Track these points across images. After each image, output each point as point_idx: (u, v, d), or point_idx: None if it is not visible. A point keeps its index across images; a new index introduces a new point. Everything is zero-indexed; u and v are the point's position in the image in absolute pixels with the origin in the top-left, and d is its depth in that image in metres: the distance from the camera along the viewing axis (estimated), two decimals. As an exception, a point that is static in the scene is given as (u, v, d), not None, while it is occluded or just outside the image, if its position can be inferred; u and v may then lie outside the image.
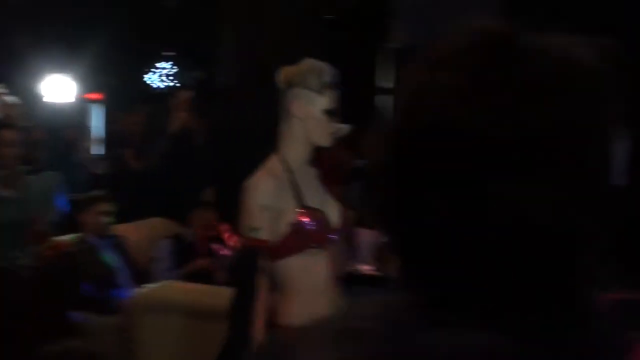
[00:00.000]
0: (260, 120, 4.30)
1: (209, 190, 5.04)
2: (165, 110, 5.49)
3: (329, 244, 2.17)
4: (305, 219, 2.08)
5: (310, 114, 2.08)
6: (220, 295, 2.60)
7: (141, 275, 4.13)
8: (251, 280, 2.01)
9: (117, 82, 8.33)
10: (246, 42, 5.83)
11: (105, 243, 4.05)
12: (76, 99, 7.67)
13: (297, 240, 2.07)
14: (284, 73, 2.14)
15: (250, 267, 2.03)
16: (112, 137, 6.93)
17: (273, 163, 2.13)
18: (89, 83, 7.90)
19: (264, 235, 2.02)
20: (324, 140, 2.13)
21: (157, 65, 9.00)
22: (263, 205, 2.01)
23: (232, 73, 6.10)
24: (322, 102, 2.09)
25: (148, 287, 3.84)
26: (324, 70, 2.12)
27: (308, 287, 2.10)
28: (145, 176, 5.24)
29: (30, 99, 6.54)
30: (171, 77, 8.95)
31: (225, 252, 4.21)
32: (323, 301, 2.08)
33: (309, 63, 2.13)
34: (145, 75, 8.98)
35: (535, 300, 0.55)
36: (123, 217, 4.46)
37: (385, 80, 6.91)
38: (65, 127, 6.59)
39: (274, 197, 2.03)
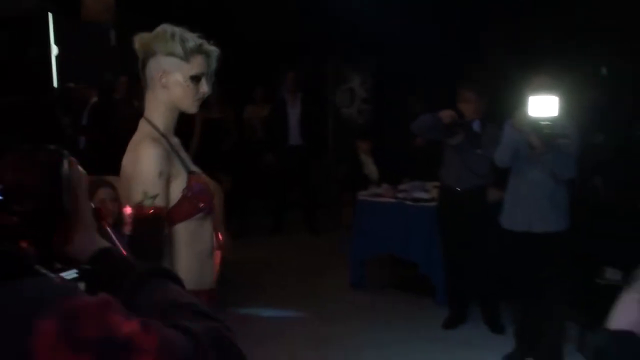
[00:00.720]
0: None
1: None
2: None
3: (213, 208, 2.17)
4: (196, 183, 2.08)
5: (175, 82, 2.04)
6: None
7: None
8: (157, 250, 1.96)
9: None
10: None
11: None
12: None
13: (190, 205, 2.06)
14: (140, 41, 2.06)
15: (154, 236, 1.97)
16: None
17: (148, 130, 2.08)
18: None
19: (161, 202, 1.99)
20: (191, 107, 2.10)
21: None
22: (159, 172, 1.98)
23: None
24: (187, 68, 2.04)
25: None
26: (185, 35, 2.05)
27: (197, 253, 2.09)
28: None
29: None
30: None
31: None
32: (210, 266, 2.13)
33: (166, 28, 2.05)
34: None
35: None
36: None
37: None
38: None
39: (166, 163, 2.01)
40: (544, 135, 3.48)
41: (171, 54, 2.05)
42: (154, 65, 2.06)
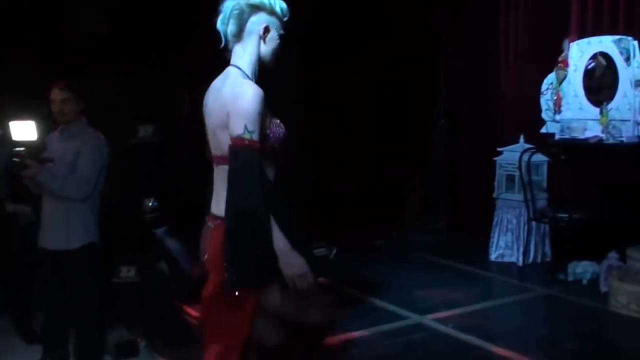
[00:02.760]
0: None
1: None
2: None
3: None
4: (277, 128, 2.38)
5: (271, 37, 2.43)
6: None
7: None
8: (252, 178, 2.22)
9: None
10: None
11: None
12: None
13: (266, 144, 2.32)
14: None
15: (249, 167, 2.22)
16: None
17: (239, 74, 2.39)
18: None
19: (256, 137, 2.25)
20: (272, 62, 2.48)
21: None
22: (259, 110, 2.26)
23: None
24: (279, 27, 2.46)
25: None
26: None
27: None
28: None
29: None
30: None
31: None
32: None
33: None
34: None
35: None
36: None
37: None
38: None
39: (264, 104, 2.28)
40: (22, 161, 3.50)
41: (273, 13, 2.43)
42: (257, 20, 2.41)
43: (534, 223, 5.31)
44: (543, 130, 5.52)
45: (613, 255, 4.67)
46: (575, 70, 5.25)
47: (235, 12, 2.41)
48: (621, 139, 4.86)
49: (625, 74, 4.92)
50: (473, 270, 5.47)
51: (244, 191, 2.25)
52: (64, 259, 3.68)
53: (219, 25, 2.45)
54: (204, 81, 5.97)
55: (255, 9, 2.42)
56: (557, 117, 5.37)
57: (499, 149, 5.69)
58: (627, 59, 4.90)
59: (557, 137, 5.32)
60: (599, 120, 4.98)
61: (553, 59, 5.42)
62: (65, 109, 3.59)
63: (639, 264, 4.31)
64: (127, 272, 5.21)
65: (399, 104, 6.81)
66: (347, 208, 6.34)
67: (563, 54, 5.34)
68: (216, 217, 2.39)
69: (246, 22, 2.41)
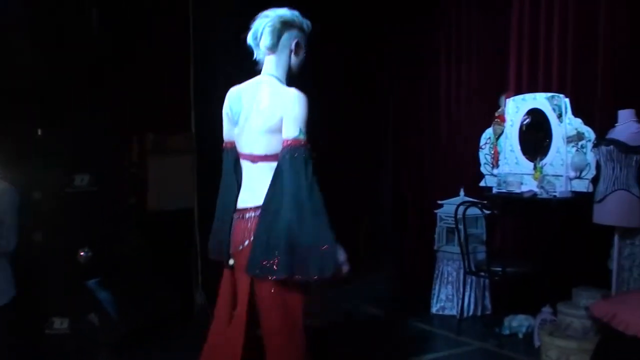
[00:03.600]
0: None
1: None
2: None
3: None
4: None
5: (300, 51, 2.85)
6: None
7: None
8: (309, 170, 2.63)
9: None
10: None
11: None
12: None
13: None
14: (281, 15, 2.83)
15: (307, 161, 2.64)
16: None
17: (280, 82, 2.81)
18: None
19: (306, 137, 2.69)
20: (297, 70, 2.89)
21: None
22: (308, 114, 2.70)
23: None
24: (304, 43, 2.86)
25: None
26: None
27: None
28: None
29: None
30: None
31: None
32: None
33: (294, 11, 2.87)
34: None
35: None
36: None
37: None
38: None
39: None
40: None
41: (302, 30, 2.85)
42: (290, 36, 2.82)
43: (473, 276, 5.33)
44: (482, 183, 5.61)
45: (547, 310, 4.70)
46: (511, 125, 5.36)
47: (270, 28, 2.79)
48: (554, 193, 4.95)
49: (557, 130, 5.03)
50: (413, 323, 5.46)
51: (309, 185, 2.61)
52: None
53: (249, 40, 2.86)
54: (150, 127, 5.98)
55: (289, 26, 2.82)
56: (495, 171, 5.46)
57: (439, 202, 5.74)
58: (560, 116, 5.02)
59: (494, 190, 5.40)
60: (532, 175, 5.07)
61: (491, 114, 5.55)
62: None
63: (568, 319, 4.34)
64: (61, 324, 5.09)
65: (347, 143, 6.82)
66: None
67: (500, 109, 5.46)
68: (257, 208, 2.70)
69: (281, 37, 2.81)
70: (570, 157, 4.95)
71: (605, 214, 4.47)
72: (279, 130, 2.70)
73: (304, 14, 2.89)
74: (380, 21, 6.76)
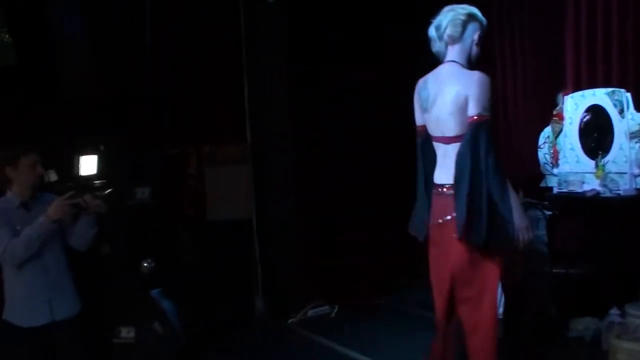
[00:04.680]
0: None
1: None
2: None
3: None
4: None
5: (478, 42, 3.24)
6: None
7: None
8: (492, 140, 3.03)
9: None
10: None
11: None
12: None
13: None
14: (467, 9, 3.21)
15: (489, 134, 3.03)
16: None
17: (463, 68, 3.17)
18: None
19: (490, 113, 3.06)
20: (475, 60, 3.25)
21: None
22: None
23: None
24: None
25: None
26: None
27: None
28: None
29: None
30: None
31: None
32: None
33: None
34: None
35: None
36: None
37: None
38: None
39: None
40: None
41: (480, 23, 3.21)
42: (473, 28, 3.19)
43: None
44: (542, 184, 5.48)
45: (614, 312, 4.55)
46: (570, 123, 5.23)
47: (459, 20, 3.17)
48: (618, 191, 4.80)
49: (619, 127, 4.89)
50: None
51: (493, 156, 2.99)
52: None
53: (432, 31, 3.23)
54: (207, 139, 6.06)
55: (473, 19, 3.19)
56: (555, 170, 5.33)
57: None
58: (621, 112, 4.87)
59: (555, 190, 5.27)
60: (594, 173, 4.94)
61: (549, 112, 5.43)
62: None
63: (636, 320, 4.19)
64: (127, 333, 5.20)
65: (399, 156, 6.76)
66: (350, 262, 6.30)
67: (558, 107, 5.34)
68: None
69: (466, 28, 3.18)
70: (634, 154, 4.79)
71: (672, 211, 4.32)
72: (466, 110, 3.05)
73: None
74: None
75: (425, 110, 3.25)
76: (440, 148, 3.22)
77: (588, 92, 5.15)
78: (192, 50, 5.87)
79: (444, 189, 3.16)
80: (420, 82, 3.30)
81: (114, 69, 5.41)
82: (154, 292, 4.83)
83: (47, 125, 4.86)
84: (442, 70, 3.22)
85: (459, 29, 3.16)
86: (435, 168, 3.26)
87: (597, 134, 5.08)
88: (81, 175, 4.92)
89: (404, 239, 6.83)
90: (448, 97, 3.10)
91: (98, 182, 4.49)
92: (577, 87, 5.35)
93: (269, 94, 6.10)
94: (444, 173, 3.17)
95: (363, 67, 6.46)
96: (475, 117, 3.02)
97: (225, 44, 6.02)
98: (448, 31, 3.17)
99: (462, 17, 3.16)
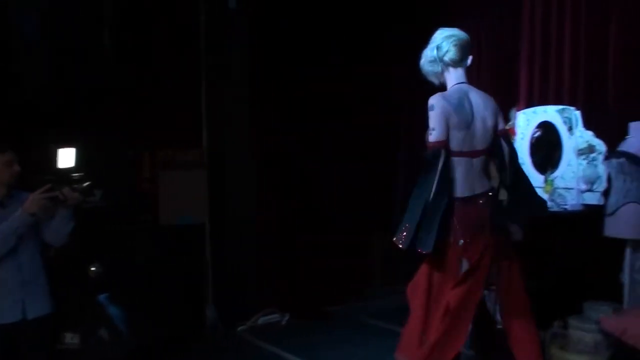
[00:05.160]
0: None
1: None
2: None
3: None
4: None
5: None
6: None
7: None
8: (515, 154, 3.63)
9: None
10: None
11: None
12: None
13: None
14: (467, 37, 3.65)
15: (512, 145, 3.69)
16: None
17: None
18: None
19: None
20: None
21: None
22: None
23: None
24: None
25: None
26: None
27: None
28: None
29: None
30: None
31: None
32: None
33: None
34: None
35: None
36: None
37: None
38: None
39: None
40: None
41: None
42: (470, 53, 3.62)
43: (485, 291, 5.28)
44: (494, 197, 5.56)
45: (558, 324, 4.65)
46: (522, 138, 5.33)
47: (465, 45, 3.55)
48: (565, 206, 4.90)
49: (568, 143, 5.00)
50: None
51: (518, 162, 3.67)
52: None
53: (433, 52, 3.57)
54: (162, 143, 6.00)
55: (469, 45, 3.58)
56: (506, 184, 5.42)
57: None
58: (570, 129, 4.99)
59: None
60: (543, 188, 5.04)
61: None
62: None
63: (579, 333, 4.29)
64: (72, 339, 5.11)
65: (358, 161, 6.87)
66: (302, 270, 6.31)
67: (510, 123, 5.43)
68: (488, 192, 3.55)
69: (469, 52, 3.58)
70: (581, 170, 4.91)
71: (616, 226, 4.43)
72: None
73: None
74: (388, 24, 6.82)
75: (463, 127, 3.44)
76: (462, 163, 3.46)
77: (539, 109, 5.26)
78: (150, 52, 5.83)
79: (479, 199, 3.48)
80: (450, 101, 3.47)
81: (70, 70, 5.35)
82: (101, 298, 4.77)
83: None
84: (466, 90, 3.58)
85: (466, 53, 3.52)
86: (453, 182, 3.44)
87: (546, 149, 5.19)
88: (59, 168, 4.84)
89: (357, 248, 7.05)
90: (489, 114, 3.54)
91: (76, 175, 4.38)
92: (529, 104, 5.47)
93: (228, 98, 6.09)
94: (475, 184, 3.48)
95: (324, 71, 6.52)
96: (506, 130, 3.65)
97: (184, 47, 6.00)
98: (452, 55, 3.51)
99: (465, 44, 3.52)
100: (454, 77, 3.58)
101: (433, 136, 3.44)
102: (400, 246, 3.44)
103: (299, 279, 6.26)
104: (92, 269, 4.75)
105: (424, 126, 6.61)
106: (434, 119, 3.44)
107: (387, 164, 7.13)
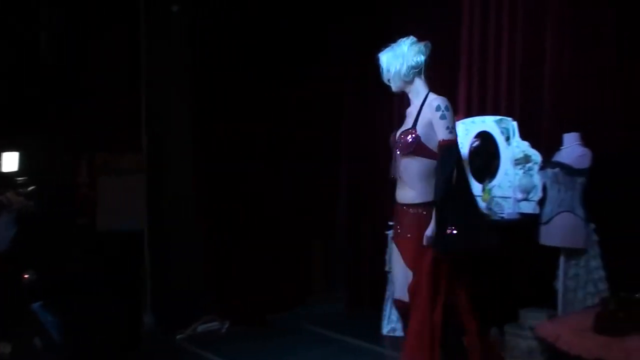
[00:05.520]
0: None
1: None
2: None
3: None
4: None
5: None
6: None
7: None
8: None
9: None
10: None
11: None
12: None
13: None
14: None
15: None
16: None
17: None
18: None
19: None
20: None
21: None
22: None
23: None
24: None
25: None
26: None
27: None
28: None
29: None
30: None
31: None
32: None
33: None
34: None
35: None
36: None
37: None
38: None
39: None
40: None
41: None
42: None
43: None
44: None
45: (494, 330, 4.74)
46: (461, 148, 5.41)
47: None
48: (502, 215, 5.02)
49: (505, 153, 5.12)
50: (363, 345, 5.45)
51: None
52: None
53: (421, 60, 3.79)
54: (101, 147, 5.87)
55: None
56: (445, 192, 5.50)
57: (390, 223, 5.75)
58: (508, 139, 5.12)
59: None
60: (481, 196, 5.14)
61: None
62: None
63: (514, 339, 4.39)
64: (3, 348, 4.96)
65: (301, 166, 6.88)
66: (241, 277, 6.26)
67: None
68: None
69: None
70: (517, 179, 5.04)
71: (551, 235, 4.55)
72: None
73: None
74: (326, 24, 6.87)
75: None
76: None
77: (478, 119, 5.38)
78: (89, 56, 5.72)
79: None
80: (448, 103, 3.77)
81: (6, 72, 5.21)
82: (35, 306, 4.63)
83: None
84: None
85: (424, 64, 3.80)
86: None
87: (485, 159, 5.31)
88: (2, 172, 4.72)
89: (299, 254, 7.05)
90: None
91: (20, 179, 4.27)
92: (468, 114, 5.57)
93: (168, 103, 6.02)
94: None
95: (268, 74, 6.51)
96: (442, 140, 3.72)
97: (124, 51, 5.90)
98: (425, 64, 3.81)
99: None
100: (423, 85, 3.81)
101: (454, 134, 3.71)
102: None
103: (240, 286, 6.20)
104: (26, 275, 4.61)
105: (367, 131, 6.74)
106: (451, 119, 3.72)
107: (329, 169, 7.16)
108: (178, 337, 5.72)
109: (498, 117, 5.22)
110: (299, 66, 6.63)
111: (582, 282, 4.54)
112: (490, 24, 5.51)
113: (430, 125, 3.66)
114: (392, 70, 3.79)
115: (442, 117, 3.66)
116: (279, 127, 6.72)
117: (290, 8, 6.56)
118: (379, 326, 5.73)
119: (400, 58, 3.76)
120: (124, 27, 5.88)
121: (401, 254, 3.85)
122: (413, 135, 3.67)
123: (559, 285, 4.58)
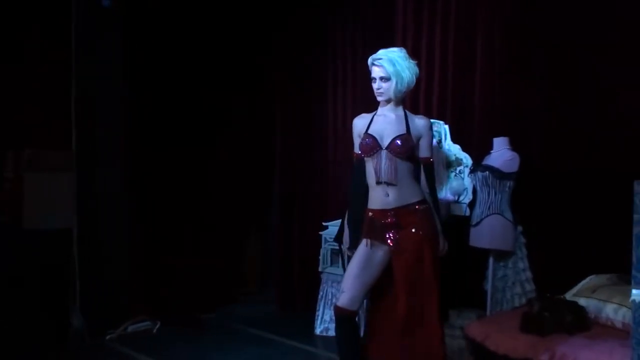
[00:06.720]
0: None
1: None
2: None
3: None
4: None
5: None
6: None
7: None
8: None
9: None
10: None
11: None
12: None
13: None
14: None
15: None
16: None
17: None
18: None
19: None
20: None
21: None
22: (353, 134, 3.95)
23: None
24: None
25: None
26: None
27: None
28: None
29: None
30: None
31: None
32: None
33: None
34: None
35: None
36: None
37: None
38: None
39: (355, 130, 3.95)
40: None
41: None
42: None
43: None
44: (367, 206, 5.69)
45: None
46: (395, 150, 5.50)
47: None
48: (434, 217, 5.11)
49: (438, 156, 5.22)
50: (296, 345, 5.47)
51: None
52: None
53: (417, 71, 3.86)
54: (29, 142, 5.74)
55: None
56: (379, 194, 5.57)
57: (324, 223, 5.80)
58: (440, 142, 5.22)
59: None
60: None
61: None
62: None
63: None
64: None
65: (236, 164, 6.83)
66: (173, 277, 6.19)
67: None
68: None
69: None
70: (449, 182, 5.14)
71: (480, 237, 4.68)
72: None
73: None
74: (268, 29, 6.92)
75: None
76: None
77: (411, 122, 5.44)
78: (18, 50, 5.54)
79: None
80: None
81: None
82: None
83: None
84: None
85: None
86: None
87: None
88: None
89: (231, 252, 7.02)
90: None
91: None
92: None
93: (100, 100, 5.87)
94: None
95: (202, 76, 6.43)
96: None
97: (54, 46, 5.74)
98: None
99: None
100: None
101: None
102: None
103: (172, 285, 6.12)
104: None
105: (301, 131, 6.75)
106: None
107: (264, 167, 7.16)
108: (107, 337, 5.61)
109: (431, 120, 5.30)
110: (234, 67, 6.60)
111: (509, 283, 4.69)
112: (423, 32, 5.62)
113: (417, 138, 3.79)
114: (393, 87, 3.78)
115: (432, 137, 3.95)
116: (213, 123, 6.69)
117: (225, 8, 6.53)
118: (311, 326, 5.77)
119: (401, 76, 3.76)
120: (55, 20, 5.71)
121: (395, 260, 3.80)
122: (411, 141, 3.75)
123: (488, 286, 4.71)
